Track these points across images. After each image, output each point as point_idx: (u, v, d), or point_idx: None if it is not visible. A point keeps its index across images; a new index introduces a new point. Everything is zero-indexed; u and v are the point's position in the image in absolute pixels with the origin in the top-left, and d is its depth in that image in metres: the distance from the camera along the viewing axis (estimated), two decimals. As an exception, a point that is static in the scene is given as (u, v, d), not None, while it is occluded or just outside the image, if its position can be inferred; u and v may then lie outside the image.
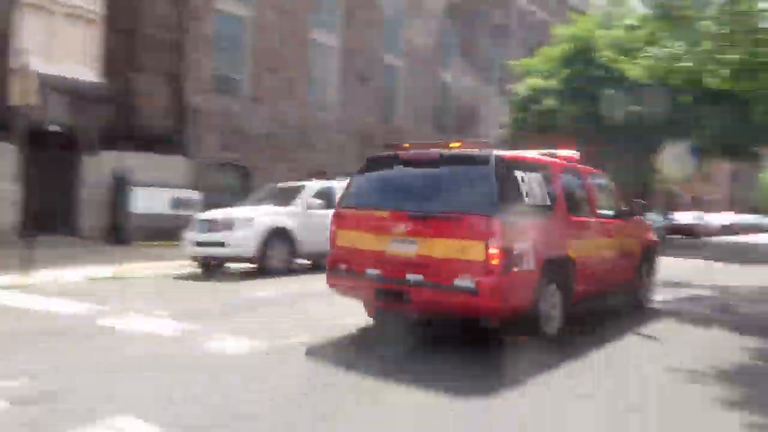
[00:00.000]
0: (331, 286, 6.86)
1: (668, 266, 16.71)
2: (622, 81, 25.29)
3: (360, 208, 6.70)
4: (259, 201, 13.46)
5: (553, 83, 26.60)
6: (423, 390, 4.89)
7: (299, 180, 15.36)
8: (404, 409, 4.57)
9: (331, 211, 12.82)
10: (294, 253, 12.26)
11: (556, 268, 6.45)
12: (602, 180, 8.64)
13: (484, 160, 6.01)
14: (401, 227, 6.09)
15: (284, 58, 24.00)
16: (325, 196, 12.90)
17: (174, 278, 11.75)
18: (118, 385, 4.90)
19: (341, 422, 4.29)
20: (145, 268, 12.58)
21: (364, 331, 7.13)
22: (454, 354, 6.18)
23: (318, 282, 11.50)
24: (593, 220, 7.59)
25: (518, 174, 6.21)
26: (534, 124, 26.25)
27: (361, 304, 7.25)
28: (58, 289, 9.76)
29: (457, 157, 6.27)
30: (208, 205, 16.51)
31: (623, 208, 8.74)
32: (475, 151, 6.28)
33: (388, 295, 6.21)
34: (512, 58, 31.87)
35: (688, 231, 34.99)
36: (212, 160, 21.75)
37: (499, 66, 34.65)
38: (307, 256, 12.92)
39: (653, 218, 31.78)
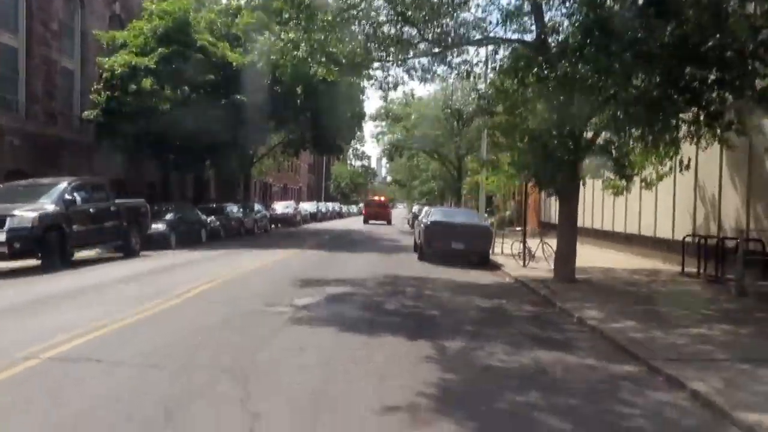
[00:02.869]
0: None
1: (287, 262, 16.57)
2: (223, 67, 24.45)
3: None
4: None
5: (147, 62, 23.87)
6: None
7: None
8: None
9: None
10: None
11: None
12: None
13: None
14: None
15: None
16: None
17: None
18: None
19: None
20: None
21: None
22: None
23: None
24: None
25: None
26: (131, 105, 23.08)
27: None
28: None
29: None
30: None
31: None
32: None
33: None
34: (95, 28, 27.84)
35: (286, 220, 36.73)
36: None
37: (80, 35, 29.89)
38: None
39: (259, 208, 32.16)
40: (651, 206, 19.05)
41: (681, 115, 10.34)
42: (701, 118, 10.56)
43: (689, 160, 12.64)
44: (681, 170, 12.91)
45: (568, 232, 12.68)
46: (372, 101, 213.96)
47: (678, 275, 14.74)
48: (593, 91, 9.88)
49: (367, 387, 5.35)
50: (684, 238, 15.32)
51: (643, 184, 15.10)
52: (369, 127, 73.90)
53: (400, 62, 14.39)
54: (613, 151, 12.16)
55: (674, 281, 13.71)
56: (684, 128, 10.95)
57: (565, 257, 12.56)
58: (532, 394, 5.36)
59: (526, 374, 6.04)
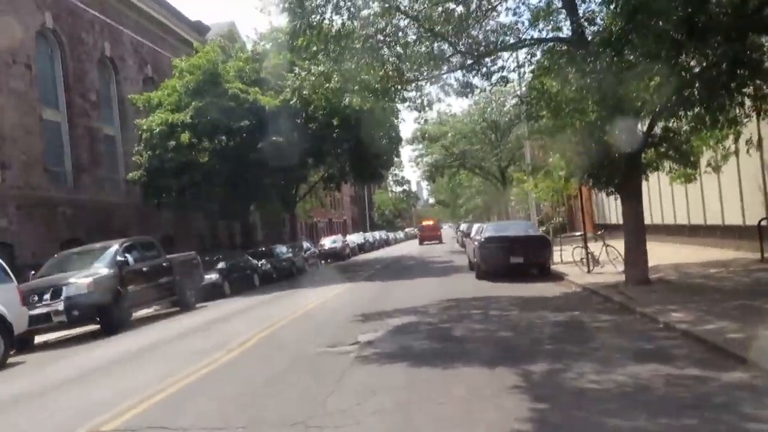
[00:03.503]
0: None
1: (344, 297, 15.99)
2: (256, 112, 24.60)
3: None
4: None
5: (183, 117, 24.23)
6: None
7: None
8: None
9: None
10: None
11: None
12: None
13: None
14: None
15: None
16: None
17: None
18: None
19: None
20: None
21: None
22: None
23: None
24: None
25: None
26: (173, 161, 23.39)
27: None
28: None
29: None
30: None
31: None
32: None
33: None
34: (130, 92, 28.51)
35: (335, 254, 36.57)
36: None
37: (117, 101, 30.67)
38: None
39: (308, 246, 32.09)
40: (715, 193, 17.97)
41: (744, 90, 9.56)
42: (765, 89, 9.80)
43: (759, 138, 11.74)
44: (747, 150, 12.01)
45: (636, 230, 11.89)
46: (407, 124, 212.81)
47: (758, 263, 13.72)
48: (642, 78, 9.28)
49: (454, 429, 4.83)
50: (760, 222, 14.28)
51: (709, 168, 14.16)
52: (406, 151, 74.12)
53: (434, 79, 14.00)
54: (674, 139, 11.42)
55: (756, 270, 12.70)
56: (748, 103, 10.15)
57: (634, 258, 11.77)
58: (640, 417, 4.74)
59: (625, 394, 5.41)
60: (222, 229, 37.23)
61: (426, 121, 38.77)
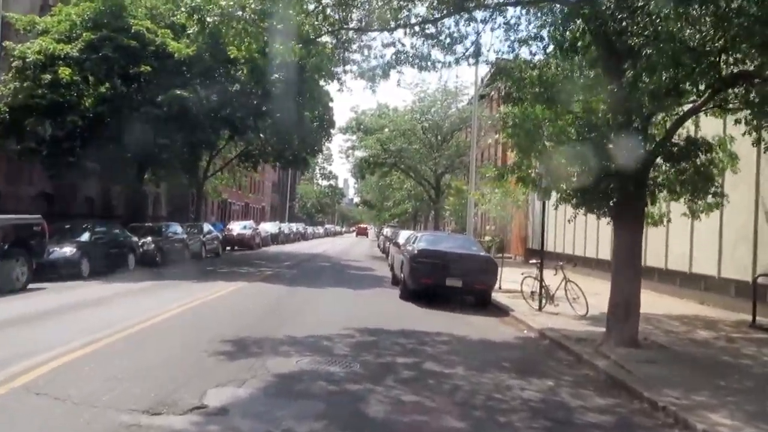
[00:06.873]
0: None
1: (225, 302, 11.84)
2: (162, 58, 20.26)
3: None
4: None
5: (69, 49, 19.49)
6: None
7: None
8: None
9: None
10: None
11: None
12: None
13: None
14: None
15: None
16: None
17: None
18: None
19: None
20: None
21: None
22: None
23: None
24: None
25: None
26: (45, 99, 18.63)
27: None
28: None
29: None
30: None
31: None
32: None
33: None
34: (17, 12, 23.30)
35: (242, 242, 32.20)
36: None
37: (1, 24, 25.23)
38: None
39: (209, 228, 27.67)
40: (684, 234, 15.37)
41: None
42: None
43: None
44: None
45: (628, 272, 8.71)
46: (344, 108, 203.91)
47: (749, 327, 11.03)
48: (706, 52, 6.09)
49: None
50: (756, 278, 11.59)
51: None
52: (338, 142, 70.56)
53: (386, 33, 10.42)
54: (700, 154, 8.39)
55: (758, 340, 9.92)
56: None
57: (624, 310, 8.59)
58: None
59: None
60: (118, 196, 32.12)
61: (361, 111, 35.47)
